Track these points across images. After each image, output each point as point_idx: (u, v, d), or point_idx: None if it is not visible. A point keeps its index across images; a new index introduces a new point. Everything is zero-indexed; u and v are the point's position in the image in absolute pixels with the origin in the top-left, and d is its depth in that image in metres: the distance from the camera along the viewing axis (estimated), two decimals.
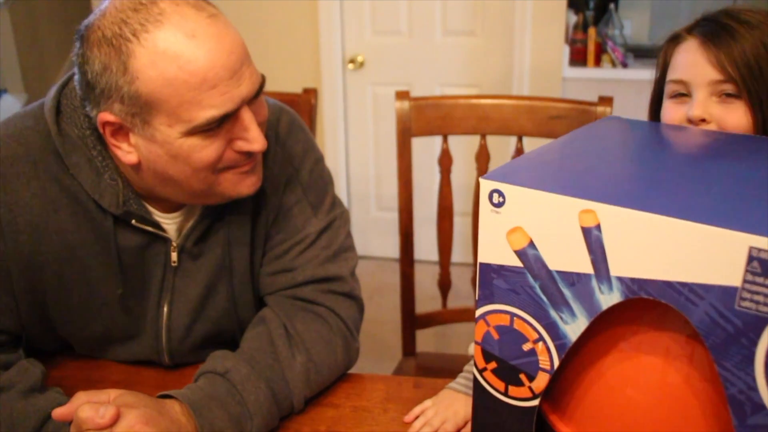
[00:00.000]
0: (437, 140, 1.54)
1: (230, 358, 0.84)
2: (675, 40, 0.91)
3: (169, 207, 0.89)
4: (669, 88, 0.90)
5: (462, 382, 0.88)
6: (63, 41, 3.80)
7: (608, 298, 0.54)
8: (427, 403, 0.87)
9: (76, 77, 0.79)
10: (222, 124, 0.76)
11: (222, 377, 0.82)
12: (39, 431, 0.77)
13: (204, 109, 0.74)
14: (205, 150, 0.77)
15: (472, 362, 0.87)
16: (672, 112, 0.89)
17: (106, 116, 0.76)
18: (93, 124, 0.82)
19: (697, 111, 0.84)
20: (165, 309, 0.93)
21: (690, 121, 0.85)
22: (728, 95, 0.84)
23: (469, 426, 0.79)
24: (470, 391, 0.83)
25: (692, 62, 0.86)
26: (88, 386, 0.90)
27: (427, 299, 1.99)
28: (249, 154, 0.81)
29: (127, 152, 0.79)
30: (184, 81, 0.72)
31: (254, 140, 0.79)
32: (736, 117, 0.84)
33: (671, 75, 0.89)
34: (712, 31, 0.85)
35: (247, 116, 0.78)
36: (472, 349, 0.89)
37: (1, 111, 3.30)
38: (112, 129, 0.78)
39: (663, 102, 0.92)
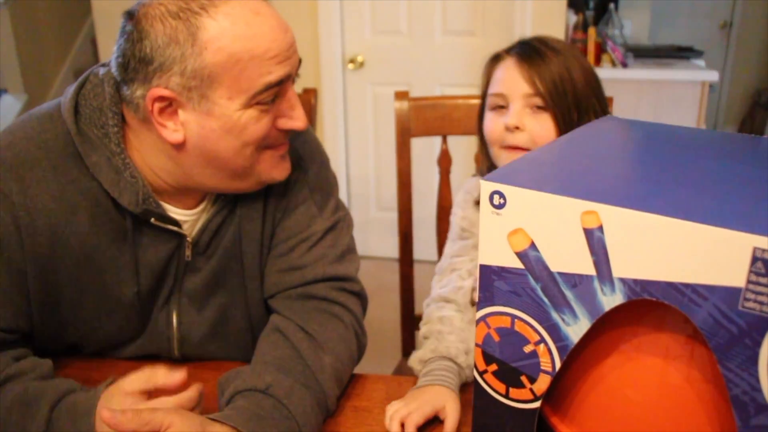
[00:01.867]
0: (437, 140, 1.54)
1: (266, 373, 0.82)
2: (496, 59, 1.06)
3: (185, 204, 0.90)
4: (490, 101, 1.04)
5: (427, 379, 0.90)
6: (63, 41, 3.80)
7: (610, 300, 0.54)
8: (395, 403, 0.87)
9: (117, 59, 0.80)
10: (274, 99, 0.81)
11: (264, 393, 0.79)
12: (56, 406, 0.76)
13: (263, 75, 0.78)
14: (258, 123, 0.81)
15: (423, 365, 0.93)
16: (492, 122, 1.03)
17: (160, 91, 0.77)
18: (118, 123, 0.83)
19: (513, 120, 0.99)
20: (175, 303, 0.93)
21: (507, 128, 0.99)
22: (538, 108, 0.99)
23: (443, 415, 0.84)
24: (439, 382, 0.88)
25: (510, 78, 1.00)
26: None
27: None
28: (286, 135, 0.86)
29: (173, 130, 0.80)
30: (249, 50, 0.76)
31: (298, 118, 0.84)
32: (545, 127, 0.99)
33: (492, 89, 1.04)
34: (527, 53, 1.00)
35: (293, 94, 0.84)
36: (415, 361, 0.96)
37: (1, 111, 3.30)
38: (161, 106, 0.79)
39: (485, 114, 1.06)
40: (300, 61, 0.85)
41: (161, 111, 0.79)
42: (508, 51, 1.04)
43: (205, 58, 0.75)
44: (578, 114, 0.99)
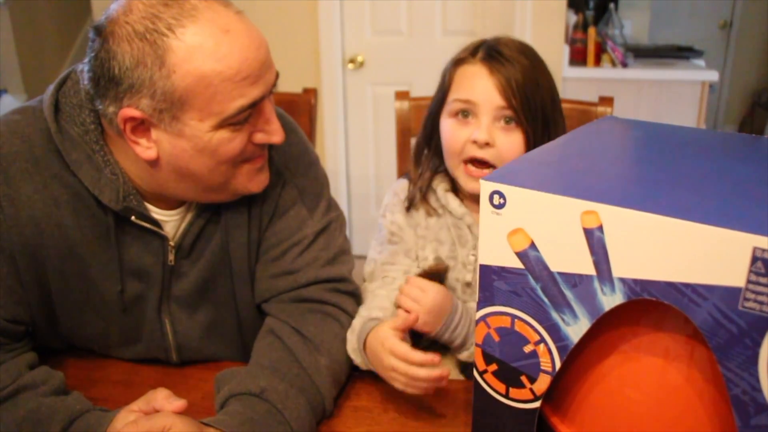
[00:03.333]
0: None
1: (261, 376, 0.81)
2: (459, 62, 0.97)
3: (167, 205, 0.89)
4: (453, 106, 0.95)
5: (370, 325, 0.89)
6: (63, 41, 3.80)
7: (610, 300, 0.54)
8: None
9: (88, 73, 0.78)
10: (248, 117, 0.79)
11: (258, 398, 0.79)
12: (68, 428, 0.76)
13: (235, 99, 0.76)
14: (232, 143, 0.79)
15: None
16: (455, 131, 0.95)
17: (131, 111, 0.76)
18: (96, 120, 0.82)
19: (484, 135, 0.91)
20: (166, 311, 0.93)
21: (475, 142, 0.92)
22: (508, 123, 0.93)
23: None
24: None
25: (481, 86, 0.92)
26: (89, 386, 0.90)
27: None
28: (263, 147, 0.84)
29: (146, 148, 0.79)
30: (220, 73, 0.74)
31: (275, 132, 0.83)
32: (515, 143, 0.93)
33: (458, 94, 0.95)
34: (498, 60, 0.92)
35: (269, 108, 0.82)
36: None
37: (1, 111, 3.29)
38: (133, 125, 0.77)
39: (442, 119, 0.98)
40: (277, 74, 0.82)
41: (133, 129, 0.78)
42: (474, 54, 0.96)
43: (174, 81, 0.73)
44: (546, 132, 0.94)
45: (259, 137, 0.82)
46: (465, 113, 0.94)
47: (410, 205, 1.04)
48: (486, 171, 0.93)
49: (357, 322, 0.91)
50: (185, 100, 0.74)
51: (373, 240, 1.08)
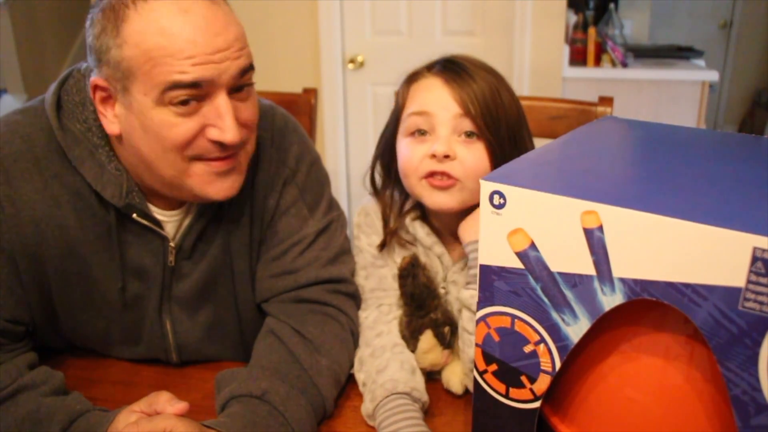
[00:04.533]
0: None
1: (262, 378, 0.81)
2: (413, 78, 0.91)
3: (168, 205, 0.89)
4: (408, 124, 0.88)
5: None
6: (63, 41, 3.79)
7: (610, 300, 0.54)
8: None
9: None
10: (192, 102, 0.76)
11: (260, 400, 0.79)
12: (67, 428, 0.76)
13: (172, 74, 0.74)
14: (175, 128, 0.77)
15: None
16: (411, 150, 0.88)
17: (97, 80, 0.78)
18: (98, 117, 0.83)
19: (443, 147, 0.84)
20: (167, 312, 0.93)
21: (434, 156, 0.84)
22: (469, 136, 0.85)
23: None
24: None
25: (436, 97, 0.86)
26: (89, 386, 0.90)
27: None
28: (223, 148, 0.80)
29: (110, 122, 0.80)
30: (163, 48, 0.73)
31: (227, 129, 0.77)
32: (477, 156, 0.85)
33: (413, 108, 0.87)
34: (453, 70, 0.87)
35: (224, 103, 0.77)
36: None
37: (1, 111, 3.29)
38: (102, 96, 0.80)
39: (398, 141, 0.91)
40: (247, 71, 0.79)
41: (103, 101, 0.80)
42: (429, 69, 0.90)
43: (124, 51, 0.75)
44: (513, 146, 0.87)
45: (211, 132, 0.78)
46: (422, 131, 0.87)
47: (383, 246, 0.97)
48: (450, 182, 0.86)
49: (376, 392, 0.84)
50: (131, 71, 0.75)
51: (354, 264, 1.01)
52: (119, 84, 0.77)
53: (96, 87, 0.79)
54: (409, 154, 0.88)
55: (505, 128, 0.86)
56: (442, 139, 0.85)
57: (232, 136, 0.78)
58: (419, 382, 0.86)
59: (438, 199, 0.88)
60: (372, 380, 0.86)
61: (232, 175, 0.83)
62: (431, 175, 0.87)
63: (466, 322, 0.85)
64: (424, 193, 0.88)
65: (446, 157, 0.84)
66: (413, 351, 0.91)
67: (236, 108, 0.79)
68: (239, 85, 0.79)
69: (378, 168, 1.00)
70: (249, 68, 0.80)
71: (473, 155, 0.85)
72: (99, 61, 0.77)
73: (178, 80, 0.74)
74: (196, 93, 0.76)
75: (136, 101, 0.76)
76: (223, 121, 0.77)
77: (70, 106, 0.84)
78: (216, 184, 0.82)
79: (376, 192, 1.00)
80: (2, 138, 0.83)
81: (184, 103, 0.76)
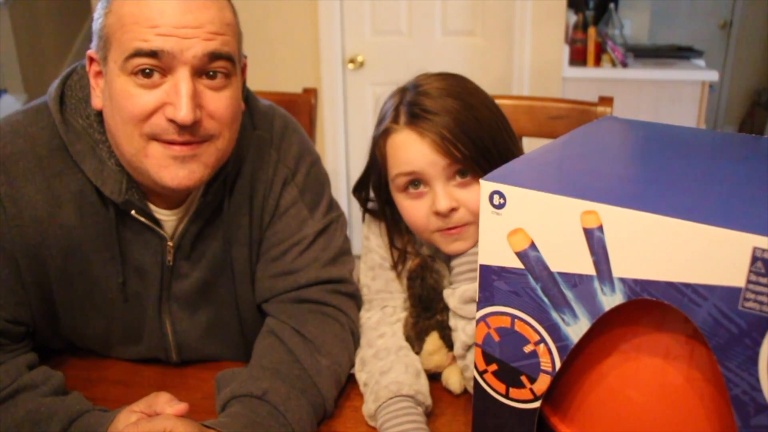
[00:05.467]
0: None
1: (262, 378, 0.81)
2: (386, 133, 0.87)
3: (166, 204, 0.89)
4: (399, 182, 0.86)
5: None
6: (63, 41, 3.80)
7: (610, 300, 0.54)
8: None
9: None
10: (157, 76, 0.76)
11: (260, 400, 0.79)
12: (67, 428, 0.76)
13: (134, 41, 0.75)
14: (133, 99, 0.76)
15: None
16: (414, 210, 0.86)
17: (91, 52, 0.82)
18: (100, 113, 0.83)
19: (444, 204, 0.82)
20: (167, 311, 0.93)
21: (438, 213, 0.83)
22: (462, 175, 0.83)
23: None
24: None
25: (418, 154, 0.82)
26: (89, 386, 0.91)
27: None
28: (181, 130, 0.77)
29: (96, 95, 0.82)
30: (133, 15, 0.75)
31: (181, 107, 0.75)
32: (478, 192, 0.79)
33: (398, 168, 0.85)
34: (422, 117, 0.82)
35: (183, 81, 0.76)
36: None
37: (1, 111, 3.29)
38: (96, 69, 0.82)
39: (394, 194, 0.89)
40: (217, 56, 0.77)
41: (95, 75, 0.82)
42: (396, 120, 0.85)
43: (106, 19, 0.78)
44: (501, 161, 0.80)
45: (167, 110, 0.76)
46: (415, 183, 0.85)
47: (395, 265, 0.96)
48: (462, 228, 0.84)
49: (379, 393, 0.84)
50: (108, 39, 0.78)
51: (361, 262, 1.01)
52: (102, 53, 0.79)
53: (91, 60, 0.82)
54: (413, 212, 0.87)
55: (493, 147, 0.83)
56: (440, 195, 0.83)
57: (184, 115, 0.75)
58: (423, 386, 0.86)
59: (455, 247, 0.87)
60: (375, 381, 0.86)
61: (191, 164, 0.80)
62: (444, 231, 0.85)
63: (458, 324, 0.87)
64: (441, 243, 0.87)
65: (453, 210, 0.83)
66: (418, 352, 0.91)
67: (203, 94, 0.78)
68: (209, 71, 0.78)
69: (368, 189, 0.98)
70: (222, 56, 0.78)
71: (474, 193, 0.83)
72: (94, 35, 0.80)
73: (139, 47, 0.74)
74: (156, 64, 0.75)
75: (109, 69, 0.78)
76: (179, 98, 0.75)
77: (73, 102, 0.85)
78: (171, 169, 0.79)
79: (374, 214, 0.98)
80: (4, 138, 0.83)
81: (146, 75, 0.76)
